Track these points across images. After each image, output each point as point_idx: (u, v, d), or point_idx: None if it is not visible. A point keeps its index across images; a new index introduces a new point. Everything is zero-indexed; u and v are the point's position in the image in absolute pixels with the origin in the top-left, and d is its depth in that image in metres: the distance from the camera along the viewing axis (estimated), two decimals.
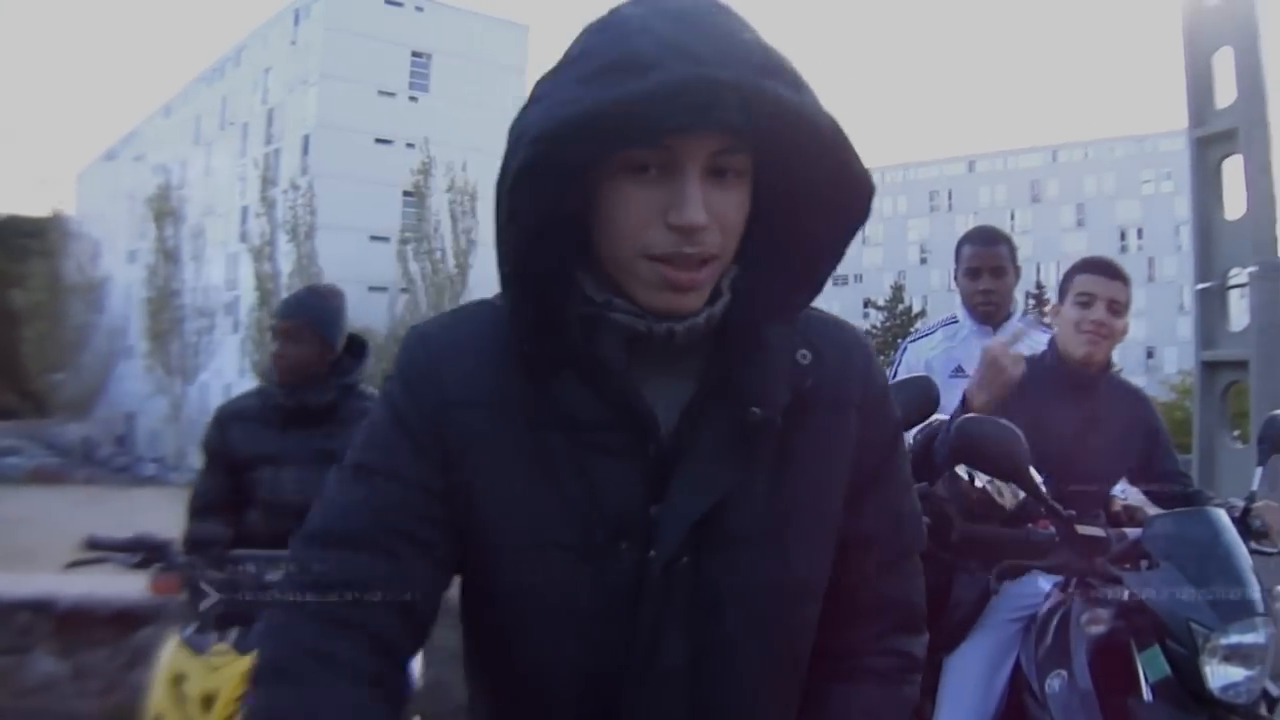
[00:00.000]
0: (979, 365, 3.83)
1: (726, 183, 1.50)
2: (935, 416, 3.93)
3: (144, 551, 3.54)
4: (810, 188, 1.54)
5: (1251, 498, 3.84)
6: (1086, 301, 3.98)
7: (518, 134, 1.48)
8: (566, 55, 1.51)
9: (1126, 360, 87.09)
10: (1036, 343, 4.56)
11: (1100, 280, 4.00)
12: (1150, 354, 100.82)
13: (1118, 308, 3.99)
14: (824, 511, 1.70)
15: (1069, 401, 4.02)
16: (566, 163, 1.44)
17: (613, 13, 1.51)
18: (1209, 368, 8.69)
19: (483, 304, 1.74)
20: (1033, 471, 3.29)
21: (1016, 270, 5.37)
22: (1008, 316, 5.32)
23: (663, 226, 1.48)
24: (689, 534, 1.58)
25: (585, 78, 1.43)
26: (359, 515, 1.62)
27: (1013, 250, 5.38)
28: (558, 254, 1.56)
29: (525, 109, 1.50)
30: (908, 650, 1.84)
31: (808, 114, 1.44)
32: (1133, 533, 3.62)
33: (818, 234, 1.60)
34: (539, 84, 1.52)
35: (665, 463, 1.59)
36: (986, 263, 5.28)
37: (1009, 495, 3.64)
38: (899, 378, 4.63)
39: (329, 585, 1.58)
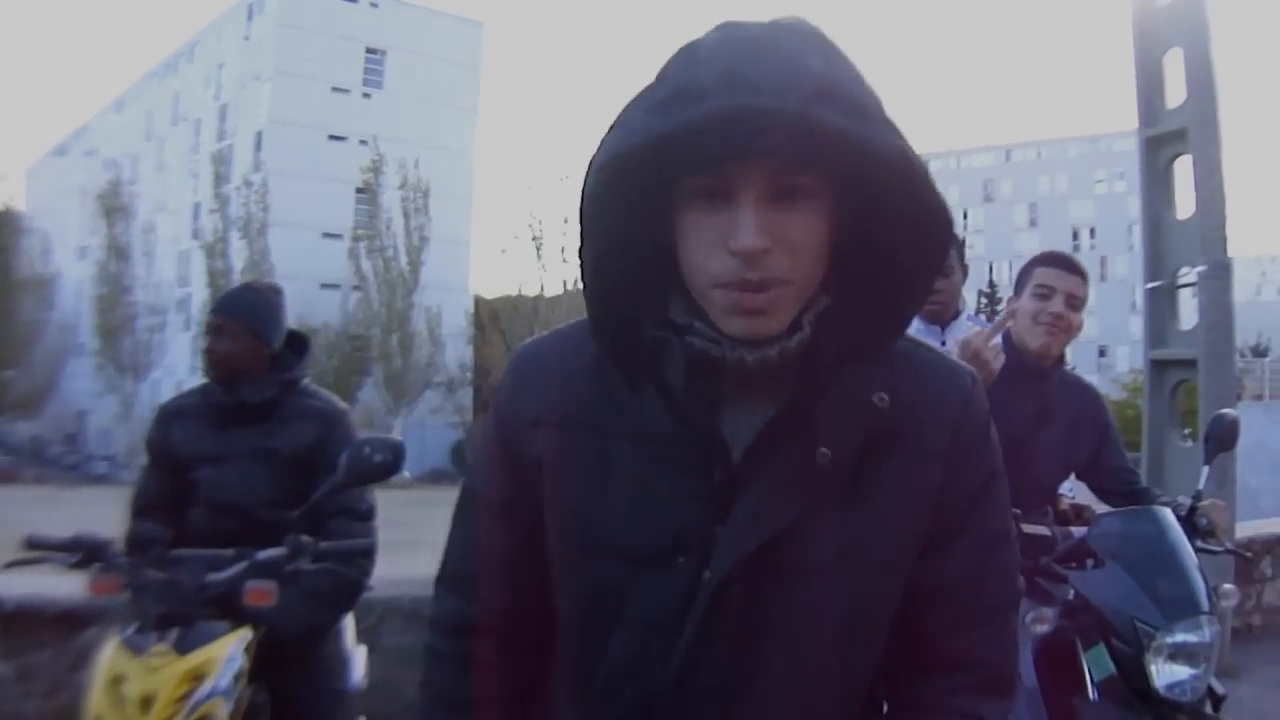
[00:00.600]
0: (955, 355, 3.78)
1: (794, 204, 1.50)
2: None
3: (83, 551, 3.49)
4: (888, 219, 1.53)
5: (1198, 496, 3.85)
6: (1045, 294, 3.99)
7: (590, 161, 1.53)
8: (648, 84, 1.53)
9: (1079, 358, 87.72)
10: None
11: (1059, 274, 4.02)
12: (1102, 352, 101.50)
13: (1075, 302, 4.01)
14: (889, 555, 1.66)
15: (1022, 394, 4.01)
16: (638, 188, 1.50)
17: (692, 41, 1.52)
18: (1158, 366, 8.74)
19: (582, 322, 1.77)
20: None
21: (964, 269, 5.39)
22: (956, 315, 5.33)
23: (725, 253, 1.49)
24: (746, 560, 1.58)
25: (653, 106, 1.46)
26: (473, 554, 1.85)
27: (960, 249, 5.41)
28: (642, 274, 1.61)
29: (604, 135, 1.53)
30: (978, 713, 1.75)
31: (862, 142, 1.42)
32: (1078, 531, 3.64)
33: (899, 268, 1.59)
34: (621, 111, 1.54)
35: (732, 486, 1.60)
36: None
37: None
38: None
39: (458, 629, 1.86)
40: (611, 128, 1.52)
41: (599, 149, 1.51)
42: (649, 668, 1.63)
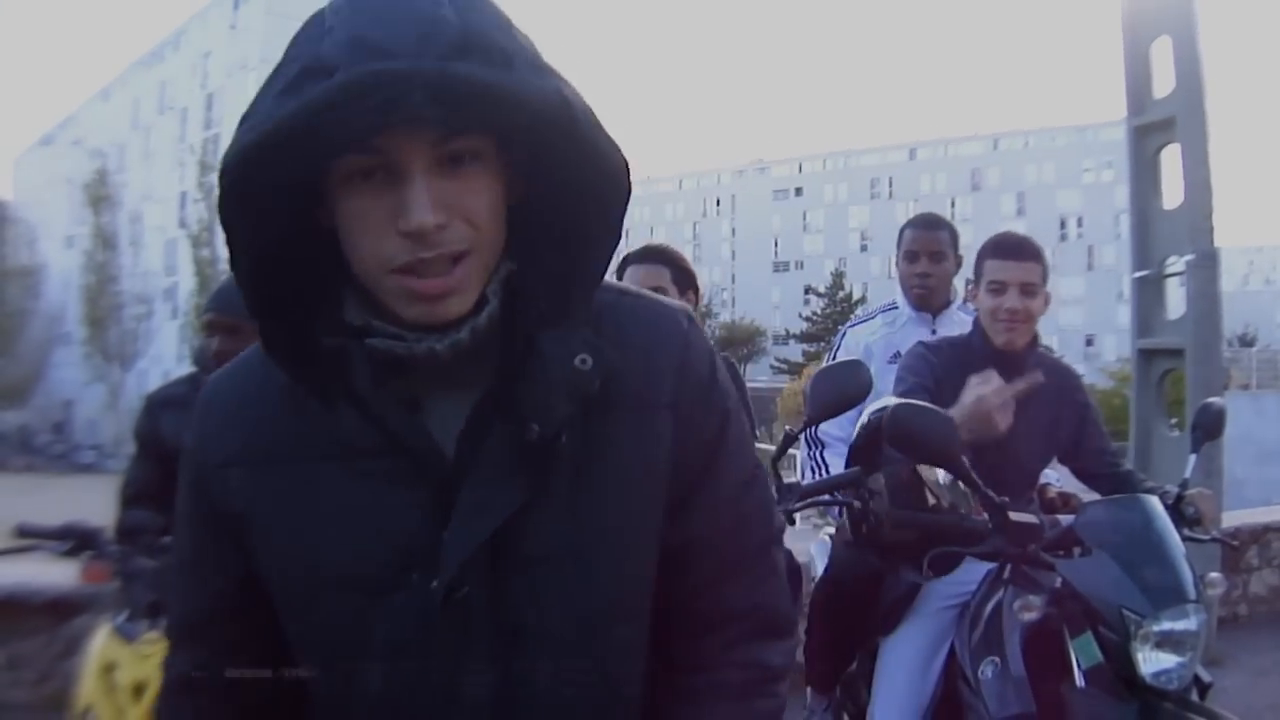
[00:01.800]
0: (966, 405, 3.66)
1: (463, 171, 1.39)
2: (884, 402, 3.93)
3: (74, 539, 3.50)
4: (561, 172, 1.45)
5: (1185, 485, 3.85)
6: (998, 289, 3.94)
7: (221, 163, 1.38)
8: (276, 65, 1.41)
9: (1066, 348, 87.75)
10: (964, 323, 4.58)
11: (1008, 265, 3.96)
12: (1090, 341, 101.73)
13: (1031, 288, 3.95)
14: (633, 523, 1.59)
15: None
16: (281, 183, 1.35)
17: (315, 13, 1.40)
18: (1146, 355, 8.74)
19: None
20: (965, 459, 3.30)
21: (957, 259, 5.39)
22: (946, 304, 5.34)
23: (396, 235, 1.37)
24: (478, 560, 1.49)
25: (281, 90, 1.33)
26: (186, 614, 1.70)
27: (954, 237, 5.40)
28: (308, 277, 1.48)
29: (236, 129, 1.38)
30: (761, 660, 1.70)
31: (520, 93, 1.32)
32: (1065, 519, 3.64)
33: (587, 219, 1.50)
34: (252, 101, 1.40)
35: (450, 487, 1.49)
36: (925, 247, 5.30)
37: (944, 495, 3.66)
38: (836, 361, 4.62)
39: (188, 685, 1.68)
40: (242, 121, 1.37)
41: (229, 149, 1.36)
42: (410, 696, 1.53)
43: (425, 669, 1.51)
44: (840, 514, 4.25)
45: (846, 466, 4.11)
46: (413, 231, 1.35)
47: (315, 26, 1.37)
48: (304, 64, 1.33)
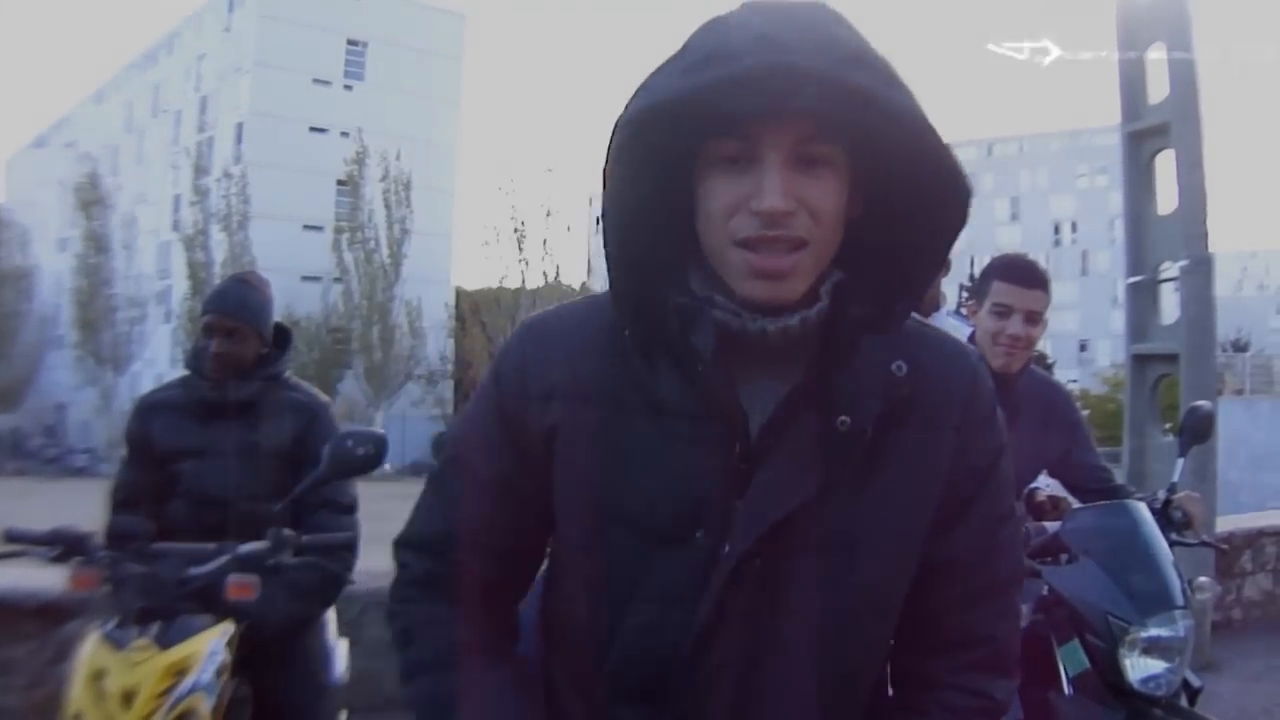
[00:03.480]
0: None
1: (816, 171, 1.50)
2: None
3: (63, 545, 3.47)
4: (909, 190, 1.54)
5: (1173, 489, 3.86)
6: (1003, 312, 3.90)
7: (616, 123, 1.52)
8: (677, 51, 1.52)
9: (1060, 353, 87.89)
10: (960, 335, 4.56)
11: (1017, 290, 3.92)
12: (1083, 347, 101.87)
13: (1035, 317, 3.93)
14: (905, 528, 1.67)
15: None
16: (663, 152, 1.51)
17: (718, 16, 1.52)
18: (1139, 361, 8.75)
19: (591, 298, 1.80)
20: None
21: (947, 262, 5.38)
22: (935, 309, 5.33)
23: (748, 213, 1.50)
24: (767, 534, 1.58)
25: (682, 69, 1.47)
26: (452, 521, 1.80)
27: None
28: (663, 243, 1.61)
29: (630, 99, 1.52)
30: (986, 691, 1.76)
31: (896, 107, 1.44)
32: (1051, 526, 3.63)
33: (918, 239, 1.61)
34: (648, 77, 1.53)
35: (751, 460, 1.60)
36: None
37: None
38: None
39: (428, 584, 1.80)
40: (638, 91, 1.51)
41: (625, 110, 1.51)
42: (665, 643, 1.62)
43: (688, 622, 1.61)
44: None
45: None
46: (763, 211, 1.48)
47: (717, 25, 1.50)
48: (709, 50, 1.46)
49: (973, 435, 1.71)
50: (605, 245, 1.60)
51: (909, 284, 1.65)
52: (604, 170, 1.54)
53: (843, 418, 1.58)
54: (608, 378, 1.67)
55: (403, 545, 1.85)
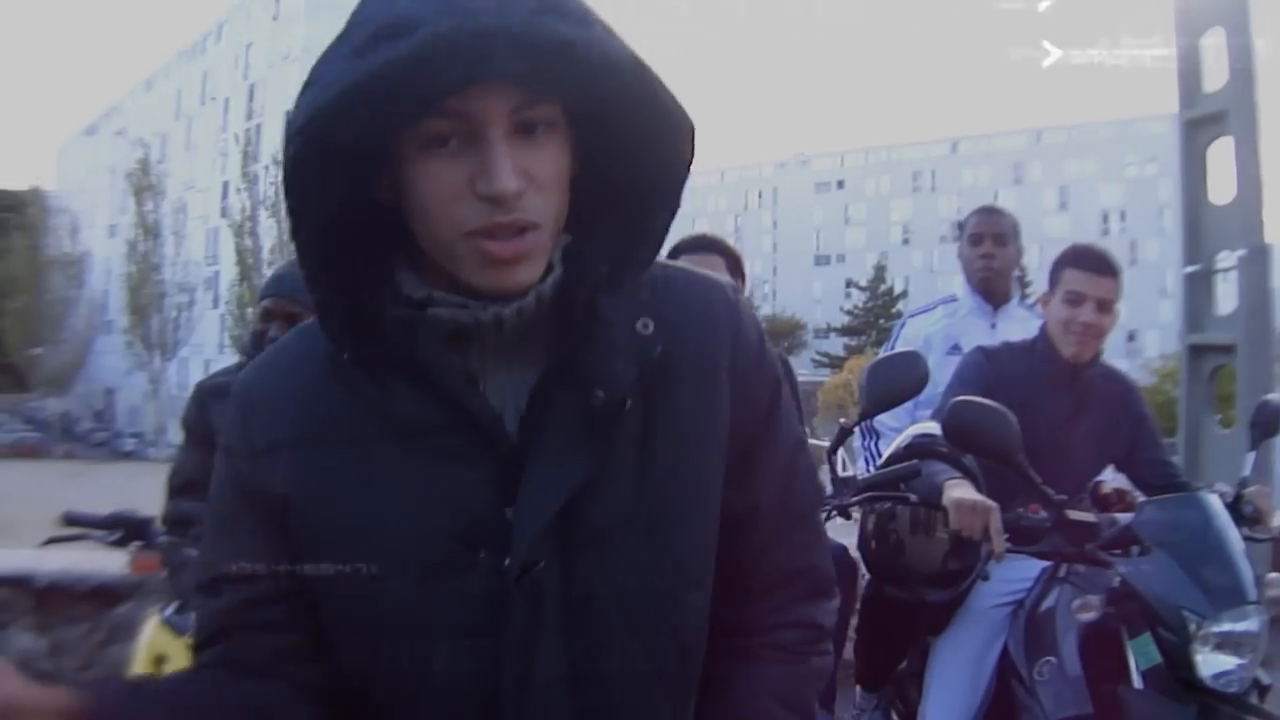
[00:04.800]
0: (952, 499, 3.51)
1: (536, 139, 1.39)
2: (922, 427, 3.92)
3: (123, 529, 3.49)
4: (629, 135, 1.44)
5: (1243, 483, 3.81)
6: (1075, 300, 3.92)
7: (289, 125, 1.38)
8: (342, 30, 1.40)
9: (1109, 343, 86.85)
10: (1030, 327, 4.54)
11: (1090, 278, 3.94)
12: (1132, 337, 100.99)
13: (1107, 305, 3.94)
14: (701, 489, 1.58)
15: (1058, 389, 4.00)
16: (355, 149, 1.34)
17: None
18: (1195, 351, 8.66)
19: (301, 330, 1.66)
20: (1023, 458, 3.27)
21: (1019, 249, 5.42)
22: (1007, 298, 5.33)
23: (473, 199, 1.36)
24: (547, 535, 1.47)
25: (352, 52, 1.33)
26: (216, 633, 1.59)
27: (1016, 227, 5.45)
28: (369, 248, 1.47)
29: (298, 96, 1.39)
30: (812, 619, 1.73)
31: (598, 50, 1.33)
32: (1124, 518, 3.60)
33: (647, 185, 1.50)
34: (314, 67, 1.40)
35: (516, 461, 1.48)
36: (990, 229, 5.35)
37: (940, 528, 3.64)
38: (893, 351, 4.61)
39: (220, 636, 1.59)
40: (307, 86, 1.38)
41: (297, 111, 1.36)
42: (482, 677, 1.49)
43: (497, 648, 1.48)
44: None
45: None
46: (494, 195, 1.35)
47: None
48: (379, 24, 1.32)
49: (747, 372, 1.62)
50: (302, 265, 1.44)
51: (646, 232, 1.54)
52: (284, 183, 1.39)
53: (597, 392, 1.46)
54: (337, 413, 1.50)
55: (195, 591, 1.66)
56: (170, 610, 3.34)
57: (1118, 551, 3.45)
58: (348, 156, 1.34)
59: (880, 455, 4.98)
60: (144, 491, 4.14)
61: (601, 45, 1.34)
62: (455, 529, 1.47)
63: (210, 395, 4.22)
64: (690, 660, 1.61)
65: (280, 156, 1.42)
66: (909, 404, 4.08)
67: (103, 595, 5.89)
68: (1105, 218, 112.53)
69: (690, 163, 1.49)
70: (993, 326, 5.21)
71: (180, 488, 4.14)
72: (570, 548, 1.49)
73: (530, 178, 1.38)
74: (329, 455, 1.50)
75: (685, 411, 1.55)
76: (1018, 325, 5.12)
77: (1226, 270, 8.44)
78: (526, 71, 1.30)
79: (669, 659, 1.58)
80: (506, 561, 1.46)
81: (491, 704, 1.49)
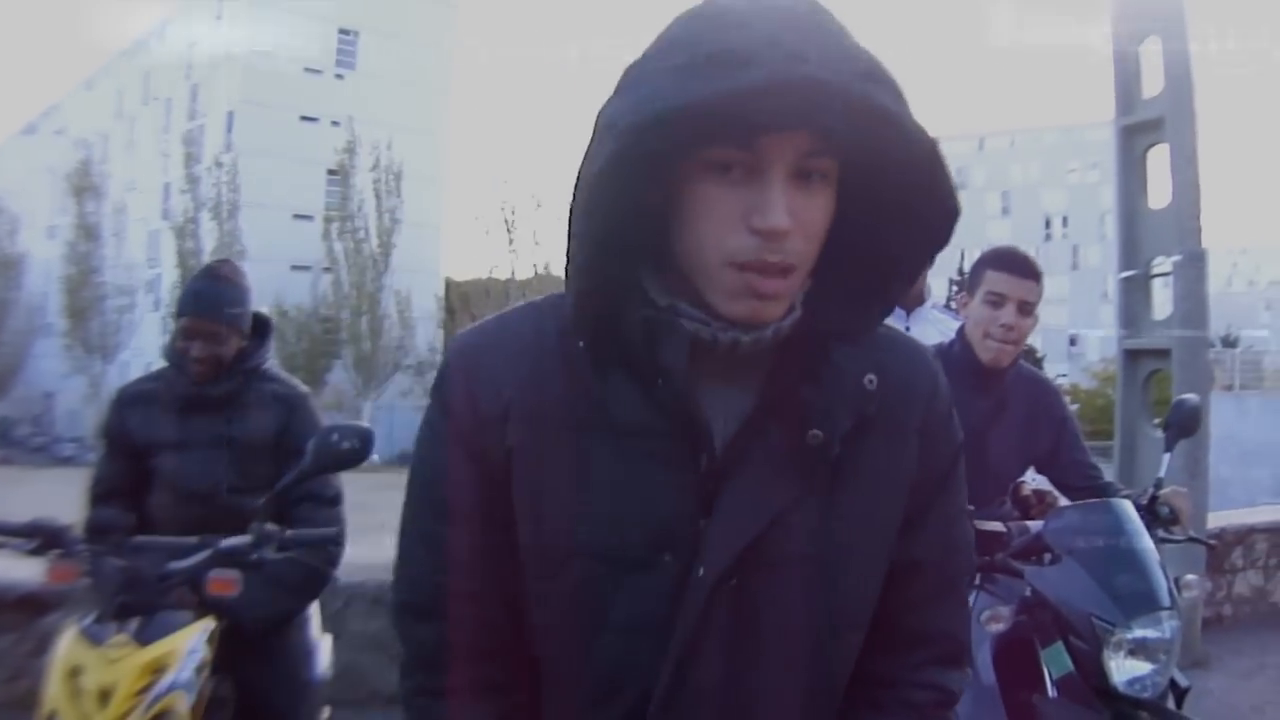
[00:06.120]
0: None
1: (812, 187, 1.44)
2: None
3: (41, 537, 3.41)
4: (896, 204, 1.50)
5: (1159, 484, 3.85)
6: (996, 302, 3.91)
7: (606, 123, 1.42)
8: (657, 42, 1.45)
9: (1050, 347, 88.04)
10: (950, 332, 4.54)
11: (1011, 280, 3.93)
12: (1073, 341, 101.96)
13: (1028, 307, 3.93)
14: (877, 538, 1.66)
15: (976, 393, 3.97)
16: (651, 158, 1.39)
17: (709, 3, 1.44)
18: (1131, 356, 8.75)
19: (528, 306, 1.72)
20: None
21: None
22: (920, 302, 5.32)
23: (744, 231, 1.42)
24: (741, 553, 1.54)
25: (678, 69, 1.36)
26: (439, 579, 1.67)
27: None
28: (630, 252, 1.52)
29: (612, 98, 1.45)
30: (944, 684, 1.78)
31: (908, 127, 1.39)
32: (1034, 526, 3.61)
33: (895, 252, 1.57)
34: (627, 71, 1.46)
35: (716, 477, 1.55)
36: None
37: None
38: None
39: (440, 660, 1.68)
40: (622, 89, 1.44)
41: (614, 112, 1.42)
42: (640, 674, 1.56)
43: (659, 649, 1.55)
44: None
45: None
46: (767, 230, 1.40)
47: (712, 18, 1.40)
48: (713, 50, 1.34)
49: (934, 437, 1.71)
50: (573, 254, 1.51)
51: (885, 293, 1.61)
52: (583, 173, 1.45)
53: (814, 432, 1.54)
54: (561, 395, 1.58)
55: (402, 612, 1.73)
56: (88, 620, 3.28)
57: (1029, 560, 3.46)
58: (644, 164, 1.39)
59: None
60: (81, 498, 4.09)
61: (911, 124, 1.39)
62: (647, 529, 1.54)
63: (130, 402, 4.16)
64: (834, 697, 1.69)
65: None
66: None
67: (30, 604, 5.83)
68: (1048, 223, 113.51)
69: (946, 243, 1.54)
70: (906, 329, 5.22)
71: (101, 495, 4.09)
72: (752, 569, 1.55)
73: (799, 222, 1.43)
74: (547, 434, 1.58)
75: (876, 462, 1.63)
76: (932, 327, 5.13)
77: (1163, 275, 8.52)
78: (845, 131, 1.35)
79: (819, 691, 1.66)
80: (701, 571, 1.53)
81: (642, 704, 1.57)
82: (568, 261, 1.52)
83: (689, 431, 1.54)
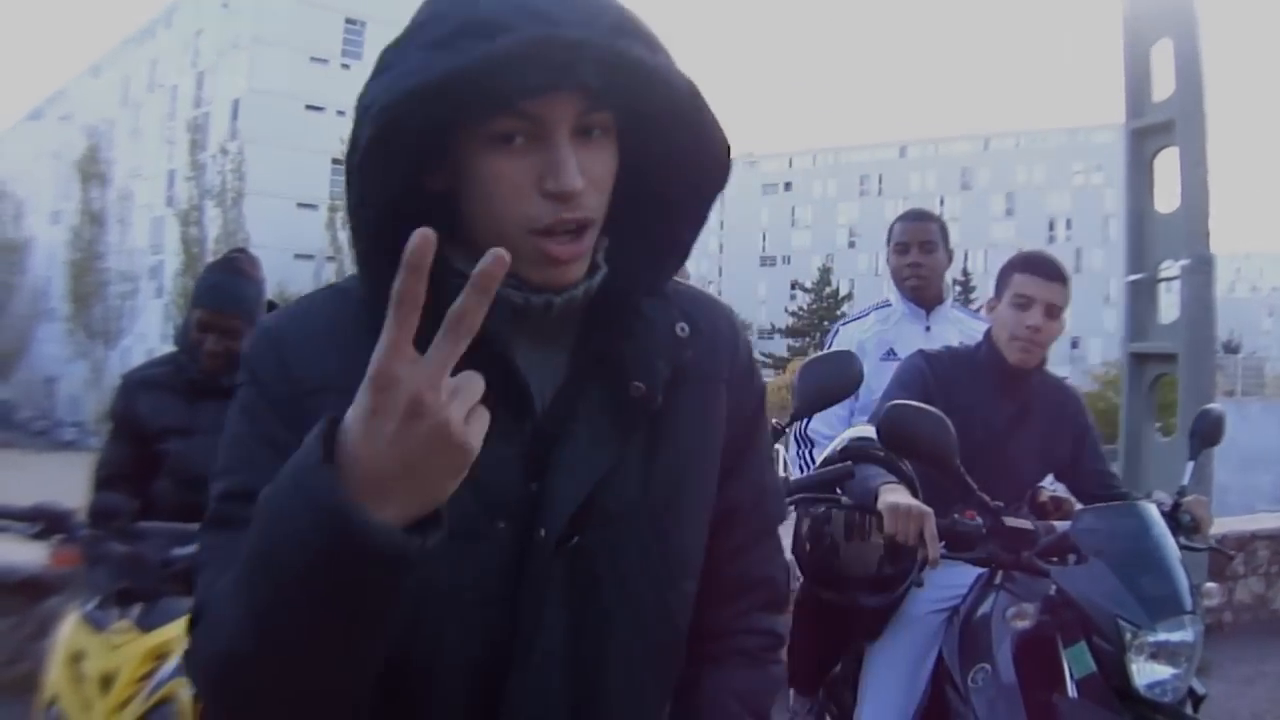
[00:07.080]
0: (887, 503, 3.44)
1: (594, 142, 1.47)
2: (857, 431, 3.89)
3: (44, 521, 3.41)
4: (670, 153, 1.54)
5: (1182, 492, 3.82)
6: (1023, 304, 3.91)
7: (363, 107, 1.43)
8: (413, 22, 1.46)
9: (1052, 350, 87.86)
10: (972, 332, 4.53)
11: (1039, 283, 3.93)
12: (1075, 344, 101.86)
13: (1055, 311, 3.93)
14: (701, 486, 1.70)
15: (1001, 396, 3.98)
16: (419, 137, 1.41)
17: None
18: (1137, 359, 8.72)
19: (333, 289, 1.68)
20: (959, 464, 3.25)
21: (949, 252, 5.39)
22: (940, 300, 5.31)
23: (539, 196, 1.44)
24: (578, 513, 1.54)
25: (432, 44, 1.38)
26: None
27: (944, 230, 5.43)
28: (415, 228, 1.40)
29: (371, 80, 1.45)
30: (771, 628, 1.86)
31: (663, 75, 1.42)
32: (1061, 526, 3.59)
33: (680, 201, 1.61)
34: (384, 54, 1.46)
35: (542, 440, 1.56)
36: (916, 237, 5.33)
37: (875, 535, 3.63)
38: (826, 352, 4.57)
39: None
40: (380, 71, 1.44)
41: (369, 94, 1.42)
42: (484, 643, 1.54)
43: (503, 617, 1.54)
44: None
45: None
46: (562, 193, 1.43)
47: None
48: (462, 21, 1.37)
49: (741, 385, 1.76)
50: (357, 241, 1.50)
51: (676, 244, 1.64)
52: (351, 162, 1.44)
53: (636, 383, 1.58)
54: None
55: (195, 624, 1.48)
56: (90, 606, 3.27)
57: (1054, 559, 3.45)
58: (411, 143, 1.41)
59: (814, 464, 4.96)
60: (83, 482, 4.07)
61: (667, 72, 1.43)
62: (479, 499, 1.48)
63: (138, 386, 4.16)
64: (678, 648, 1.72)
65: (348, 145, 1.46)
66: (845, 412, 4.05)
67: (30, 588, 5.82)
68: (1051, 225, 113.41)
69: (724, 185, 1.58)
70: (927, 329, 5.22)
71: (105, 479, 4.08)
72: (587, 528, 1.56)
73: (589, 178, 1.45)
74: None
75: (694, 412, 1.68)
76: (952, 326, 5.14)
77: (1170, 279, 8.49)
78: (601, 85, 1.38)
79: (661, 642, 1.68)
80: (542, 533, 1.53)
81: (492, 674, 1.54)
82: (356, 256, 1.52)
83: (511, 396, 1.53)
